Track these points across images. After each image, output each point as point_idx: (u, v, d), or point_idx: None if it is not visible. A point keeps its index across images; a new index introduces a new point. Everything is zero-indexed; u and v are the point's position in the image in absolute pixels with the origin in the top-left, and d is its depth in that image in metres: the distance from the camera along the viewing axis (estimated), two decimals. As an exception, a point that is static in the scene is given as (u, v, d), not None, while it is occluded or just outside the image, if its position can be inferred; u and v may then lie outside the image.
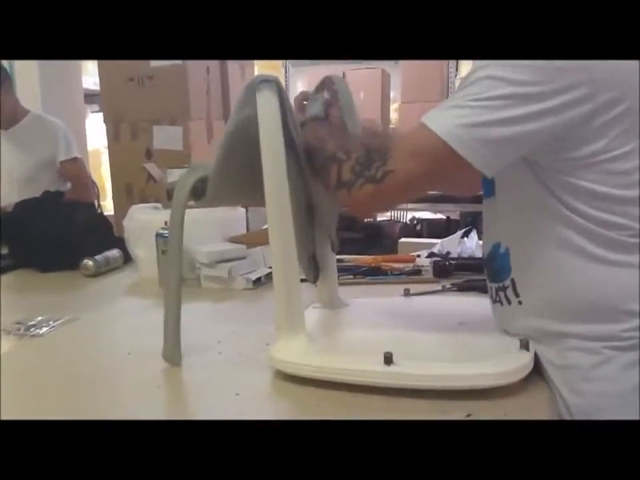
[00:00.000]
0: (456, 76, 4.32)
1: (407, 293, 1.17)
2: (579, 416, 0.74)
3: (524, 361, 0.80)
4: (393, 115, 4.76)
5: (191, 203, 1.61)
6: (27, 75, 3.24)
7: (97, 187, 2.80)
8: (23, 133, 2.34)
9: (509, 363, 0.80)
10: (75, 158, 2.39)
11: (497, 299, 0.84)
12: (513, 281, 0.82)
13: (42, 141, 2.34)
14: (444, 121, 0.70)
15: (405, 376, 0.79)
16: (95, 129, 4.12)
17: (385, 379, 0.80)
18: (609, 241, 0.73)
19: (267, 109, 0.82)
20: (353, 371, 0.83)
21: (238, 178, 0.90)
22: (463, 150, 0.69)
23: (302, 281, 0.93)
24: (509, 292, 0.82)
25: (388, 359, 0.80)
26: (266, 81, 0.81)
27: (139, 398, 0.85)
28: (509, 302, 0.81)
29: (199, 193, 0.92)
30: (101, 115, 2.85)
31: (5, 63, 2.43)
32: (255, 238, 1.47)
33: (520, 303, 0.81)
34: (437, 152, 0.71)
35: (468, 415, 0.75)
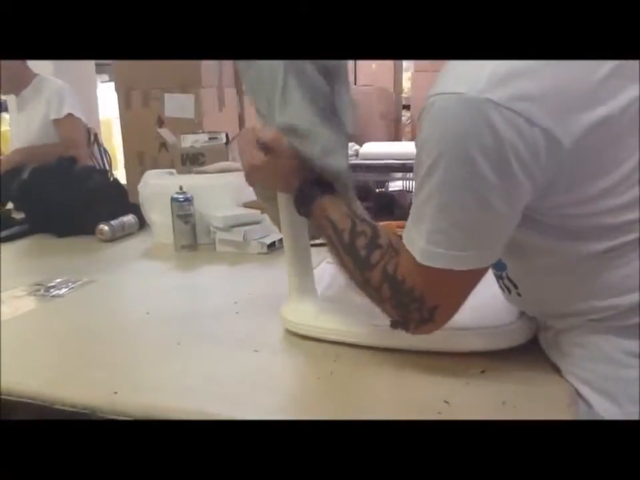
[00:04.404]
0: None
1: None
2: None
3: (526, 325, 0.81)
4: (406, 84, 4.71)
5: (201, 168, 1.63)
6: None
7: (108, 156, 2.82)
8: (28, 97, 2.36)
9: (518, 324, 0.81)
10: (67, 116, 2.37)
11: (500, 285, 0.82)
12: (507, 275, 0.79)
13: (41, 102, 2.35)
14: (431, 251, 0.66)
15: (410, 338, 0.79)
16: (105, 99, 4.11)
17: (392, 341, 0.82)
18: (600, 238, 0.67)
19: None
20: (361, 334, 0.85)
21: None
22: (463, 265, 0.66)
23: (312, 246, 0.94)
24: (507, 282, 0.80)
25: (394, 322, 0.81)
26: None
27: (160, 354, 0.87)
28: (509, 291, 0.80)
29: None
30: (110, 84, 2.84)
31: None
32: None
33: (519, 294, 0.79)
34: (445, 277, 0.67)
35: (482, 372, 0.77)
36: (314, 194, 0.81)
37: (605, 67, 0.62)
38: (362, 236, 0.76)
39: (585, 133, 0.60)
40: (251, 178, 0.87)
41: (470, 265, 0.67)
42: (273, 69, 0.81)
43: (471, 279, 0.69)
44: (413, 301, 0.71)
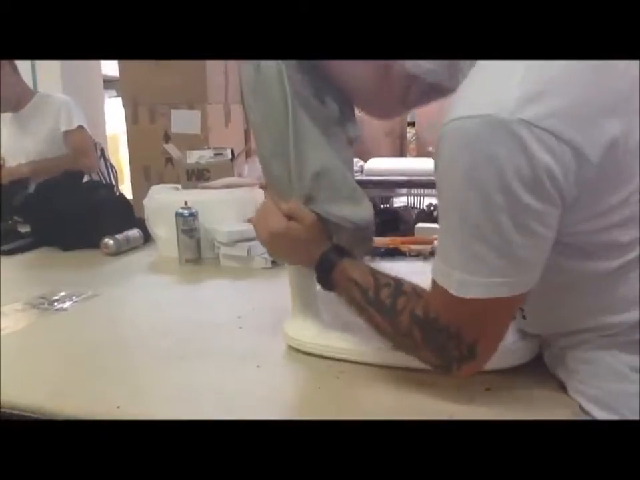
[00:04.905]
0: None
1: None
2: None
3: (531, 343, 0.81)
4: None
5: (206, 183, 1.63)
6: (48, 62, 3.28)
7: (114, 170, 2.84)
8: (31, 113, 2.38)
9: (516, 345, 0.81)
10: (77, 128, 2.39)
11: None
12: None
13: (47, 116, 2.38)
14: (465, 280, 0.64)
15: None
16: (113, 114, 4.14)
17: (394, 360, 0.82)
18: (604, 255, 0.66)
19: None
20: (363, 352, 0.85)
21: None
22: (505, 292, 0.64)
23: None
24: None
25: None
26: None
27: (163, 368, 0.87)
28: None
29: None
30: (118, 100, 2.87)
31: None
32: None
33: (524, 317, 0.78)
34: (483, 307, 0.65)
35: (487, 389, 0.76)
36: (334, 260, 0.81)
37: (626, 78, 0.62)
38: (385, 287, 0.75)
39: (608, 146, 0.60)
40: (273, 246, 0.88)
41: (511, 292, 0.64)
42: (279, 107, 0.81)
43: (510, 306, 0.67)
44: (449, 338, 0.68)
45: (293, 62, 0.81)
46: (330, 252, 0.82)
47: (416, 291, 0.73)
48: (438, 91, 0.79)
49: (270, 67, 0.81)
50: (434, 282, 0.69)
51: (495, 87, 0.60)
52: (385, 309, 0.74)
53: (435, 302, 0.69)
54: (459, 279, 0.64)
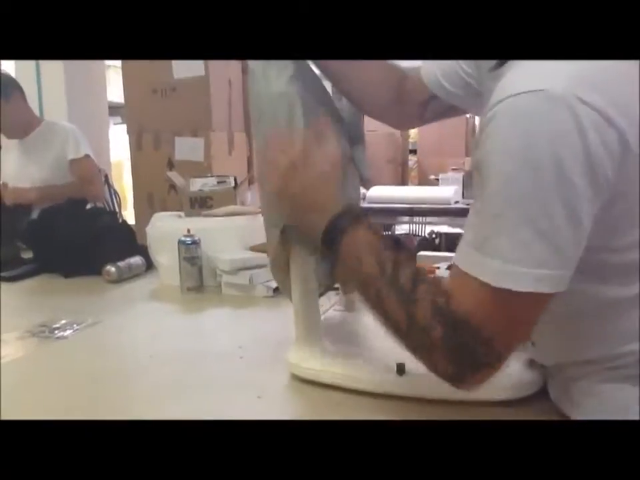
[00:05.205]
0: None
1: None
2: None
3: (536, 375, 0.80)
4: (413, 130, 4.78)
5: (209, 211, 1.64)
6: (54, 87, 3.33)
7: (118, 197, 2.85)
8: (37, 140, 2.41)
9: (522, 376, 0.80)
10: (84, 156, 2.43)
11: None
12: None
13: (54, 144, 2.41)
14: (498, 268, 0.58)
15: (416, 387, 0.79)
16: (117, 141, 4.18)
17: (397, 388, 0.81)
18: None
19: None
20: (366, 381, 0.84)
21: None
22: (543, 287, 0.58)
23: (320, 294, 0.94)
24: None
25: (400, 369, 0.81)
26: None
27: (161, 399, 0.86)
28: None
29: None
30: (122, 126, 2.89)
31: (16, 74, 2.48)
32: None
33: (532, 344, 0.76)
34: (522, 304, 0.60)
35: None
36: (347, 223, 0.70)
37: None
38: (407, 268, 0.65)
39: None
40: (285, 185, 0.75)
41: (554, 287, 0.58)
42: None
43: (543, 306, 0.60)
44: (478, 340, 0.60)
45: (306, 89, 0.82)
46: (345, 213, 0.71)
47: (437, 281, 0.67)
48: (455, 110, 0.82)
49: (281, 95, 0.82)
50: (461, 274, 0.61)
51: (547, 66, 0.58)
52: (403, 292, 0.64)
53: (462, 295, 0.61)
54: (499, 268, 0.58)
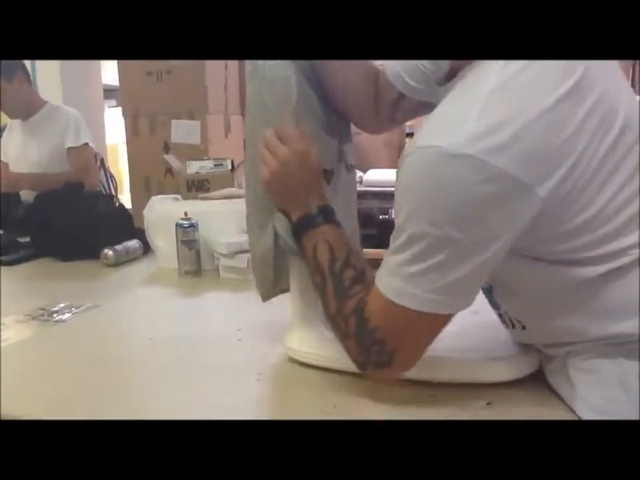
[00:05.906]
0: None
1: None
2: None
3: (533, 356, 0.81)
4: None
5: (206, 194, 1.64)
6: (48, 70, 3.30)
7: (114, 181, 2.84)
8: (39, 123, 2.39)
9: (523, 356, 0.81)
10: (83, 145, 2.40)
11: (502, 320, 0.82)
12: (507, 313, 0.79)
13: (55, 129, 2.38)
14: (411, 291, 0.67)
15: (414, 368, 0.79)
16: (112, 124, 4.16)
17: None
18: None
19: None
20: None
21: None
22: (439, 309, 0.68)
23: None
24: (508, 318, 0.79)
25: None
26: None
27: (162, 381, 0.87)
28: (513, 325, 0.79)
29: None
30: (117, 109, 2.88)
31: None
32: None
33: (524, 328, 0.78)
34: (412, 320, 0.69)
35: (488, 404, 0.76)
36: (319, 221, 0.82)
37: (573, 121, 0.62)
38: (352, 269, 0.78)
39: (559, 180, 0.62)
40: (275, 178, 0.85)
41: (444, 310, 0.68)
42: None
43: (438, 324, 0.70)
44: (373, 341, 0.72)
45: (302, 79, 0.85)
46: (319, 211, 0.82)
47: (370, 284, 0.74)
48: (425, 106, 0.83)
49: (277, 80, 0.85)
50: (375, 286, 0.72)
51: (453, 119, 0.63)
52: (341, 287, 0.77)
53: (371, 303, 0.72)
54: (399, 287, 0.68)
